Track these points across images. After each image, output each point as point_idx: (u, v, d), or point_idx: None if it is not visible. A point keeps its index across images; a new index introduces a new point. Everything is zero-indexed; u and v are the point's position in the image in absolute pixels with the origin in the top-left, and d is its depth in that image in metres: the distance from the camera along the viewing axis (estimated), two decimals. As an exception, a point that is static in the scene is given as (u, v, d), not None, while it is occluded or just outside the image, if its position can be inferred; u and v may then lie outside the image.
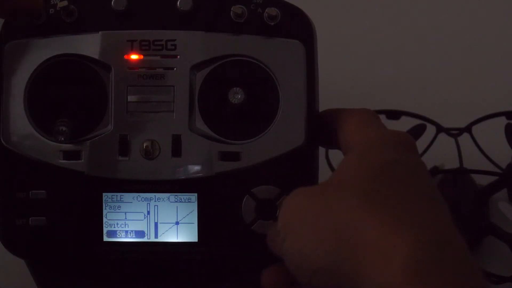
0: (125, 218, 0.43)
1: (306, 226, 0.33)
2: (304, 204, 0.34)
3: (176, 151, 0.42)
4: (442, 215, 0.33)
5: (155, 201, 0.43)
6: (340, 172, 0.36)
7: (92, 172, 0.42)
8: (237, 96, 0.42)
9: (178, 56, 0.43)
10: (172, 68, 0.43)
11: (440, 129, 0.61)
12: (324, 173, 0.44)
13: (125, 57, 0.43)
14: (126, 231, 0.43)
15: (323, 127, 0.42)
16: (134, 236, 0.43)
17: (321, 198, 0.34)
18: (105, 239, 0.43)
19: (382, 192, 0.33)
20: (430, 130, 0.62)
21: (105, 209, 0.43)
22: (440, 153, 0.61)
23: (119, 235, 0.43)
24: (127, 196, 0.43)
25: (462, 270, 0.30)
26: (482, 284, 0.30)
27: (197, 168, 0.42)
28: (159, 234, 0.43)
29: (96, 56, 0.43)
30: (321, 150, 0.46)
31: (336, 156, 0.47)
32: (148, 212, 0.43)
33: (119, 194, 0.43)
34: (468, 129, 0.61)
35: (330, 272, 0.32)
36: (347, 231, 0.32)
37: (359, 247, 0.31)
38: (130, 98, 0.43)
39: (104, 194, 0.43)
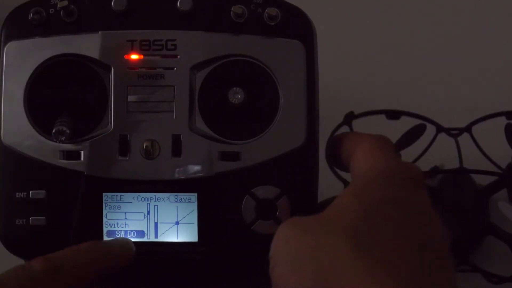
0: (125, 218, 0.43)
1: (291, 262, 0.33)
2: (294, 238, 0.33)
3: (176, 151, 0.42)
4: (428, 264, 0.31)
5: (155, 201, 0.43)
6: (335, 207, 0.34)
7: (92, 172, 0.42)
8: (237, 96, 0.42)
9: (178, 56, 0.43)
10: (172, 68, 0.43)
11: (440, 129, 0.61)
12: (324, 173, 0.44)
13: (125, 57, 0.43)
14: (126, 231, 0.43)
15: (340, 152, 0.41)
16: (134, 236, 0.43)
17: (311, 233, 0.33)
18: (105, 239, 0.43)
19: (370, 235, 0.32)
20: (430, 130, 0.62)
21: (105, 209, 0.43)
22: (440, 153, 0.61)
23: (119, 235, 0.43)
24: (127, 196, 0.43)
25: None
26: None
27: (197, 168, 0.42)
28: (159, 234, 0.43)
29: (96, 56, 0.43)
30: (321, 150, 0.46)
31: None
32: (148, 212, 0.43)
33: (119, 194, 0.43)
34: (468, 129, 0.61)
35: None
36: (327, 274, 0.31)
37: None
38: (130, 98, 0.43)
39: (104, 194, 0.43)
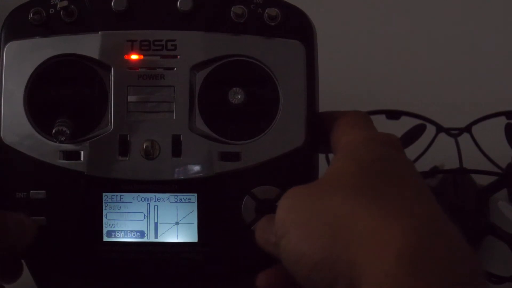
0: (125, 218, 0.43)
1: (302, 223, 0.33)
2: (299, 203, 0.34)
3: (176, 151, 0.42)
4: (433, 206, 0.33)
5: (155, 201, 0.43)
6: (331, 171, 0.36)
7: (92, 172, 0.42)
8: (237, 96, 0.42)
9: (178, 56, 0.43)
10: (172, 68, 0.43)
11: (440, 129, 0.61)
12: (324, 173, 0.44)
13: (125, 57, 0.43)
14: (126, 231, 0.43)
15: (318, 131, 0.42)
16: (134, 236, 0.43)
17: (315, 195, 0.34)
18: (105, 239, 0.43)
19: (372, 185, 0.33)
20: (430, 130, 0.62)
21: (105, 209, 0.43)
22: (440, 153, 0.61)
23: (119, 235, 0.43)
24: (127, 196, 0.43)
25: (456, 258, 0.30)
26: (475, 270, 0.30)
27: (197, 168, 0.42)
28: (159, 234, 0.43)
29: (96, 56, 0.43)
30: (321, 150, 0.46)
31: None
32: (148, 212, 0.43)
33: (119, 194, 0.43)
34: (468, 129, 0.61)
35: (327, 267, 0.32)
36: (342, 225, 0.32)
37: (354, 239, 0.31)
38: (130, 98, 0.43)
39: (104, 194, 0.43)
